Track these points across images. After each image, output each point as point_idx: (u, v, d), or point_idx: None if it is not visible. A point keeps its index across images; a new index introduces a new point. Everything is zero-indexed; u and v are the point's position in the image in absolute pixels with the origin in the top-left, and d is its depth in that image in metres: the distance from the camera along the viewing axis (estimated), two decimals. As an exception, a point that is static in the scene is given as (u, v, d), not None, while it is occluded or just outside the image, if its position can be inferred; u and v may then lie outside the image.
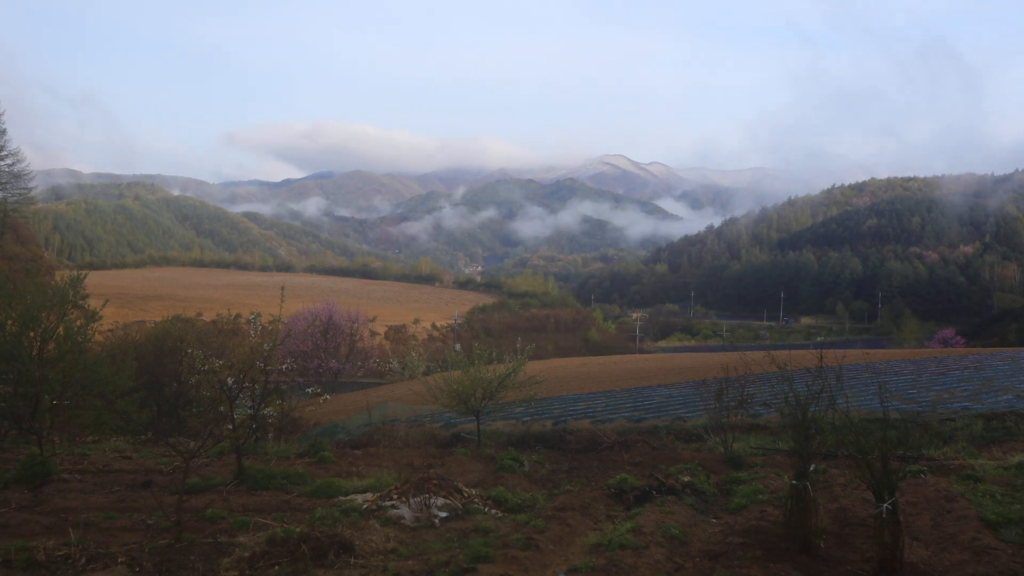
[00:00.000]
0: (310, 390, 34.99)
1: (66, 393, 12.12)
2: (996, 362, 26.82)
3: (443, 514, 7.42)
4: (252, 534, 6.63)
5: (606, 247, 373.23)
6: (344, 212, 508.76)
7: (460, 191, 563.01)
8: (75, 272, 13.60)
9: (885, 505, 5.60)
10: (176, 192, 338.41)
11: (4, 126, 55.92)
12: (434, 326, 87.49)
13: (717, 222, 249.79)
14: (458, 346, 76.25)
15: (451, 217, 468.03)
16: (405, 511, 7.41)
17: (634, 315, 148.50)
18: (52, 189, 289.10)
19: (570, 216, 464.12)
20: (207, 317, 71.55)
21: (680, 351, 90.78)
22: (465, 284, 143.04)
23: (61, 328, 11.81)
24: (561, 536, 6.56)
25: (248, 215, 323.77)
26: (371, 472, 9.88)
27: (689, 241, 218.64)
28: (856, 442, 5.99)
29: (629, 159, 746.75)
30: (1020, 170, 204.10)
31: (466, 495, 8.09)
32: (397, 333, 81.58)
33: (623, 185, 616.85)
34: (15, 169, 60.33)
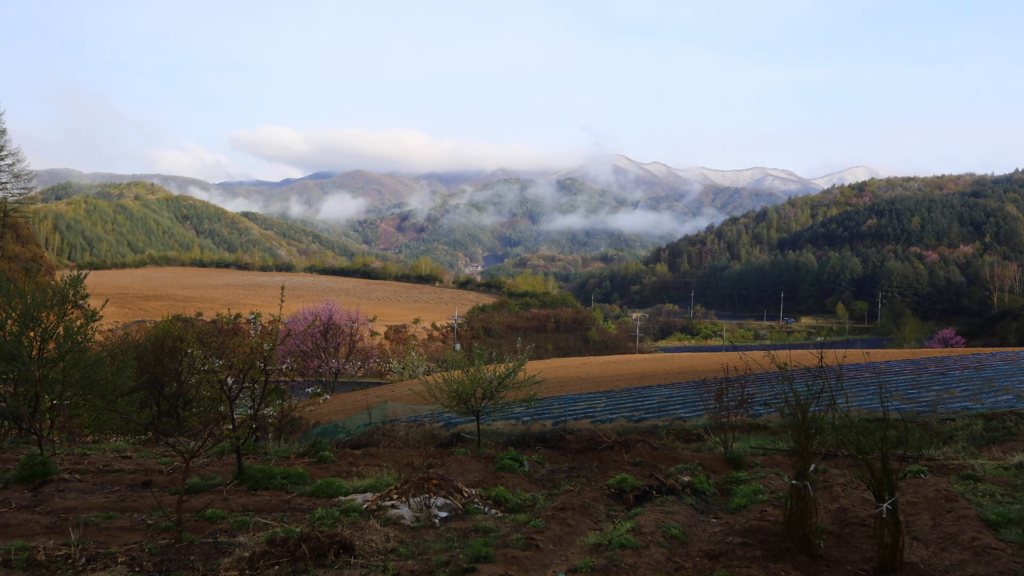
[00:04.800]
0: (310, 390, 35.07)
1: (66, 393, 12.12)
2: (996, 362, 26.81)
3: (443, 514, 7.42)
4: (252, 534, 6.64)
5: (606, 247, 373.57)
6: (344, 212, 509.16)
7: (460, 191, 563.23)
8: (75, 272, 13.60)
9: (885, 505, 5.60)
10: (176, 192, 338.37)
11: (4, 126, 56.02)
12: (434, 326, 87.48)
13: (717, 222, 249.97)
14: (458, 346, 76.31)
15: (451, 217, 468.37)
16: (405, 511, 7.41)
17: (634, 315, 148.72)
18: (52, 189, 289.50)
19: (570, 216, 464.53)
20: (207, 317, 71.56)
21: (680, 351, 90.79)
22: (465, 284, 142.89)
23: (61, 328, 11.81)
24: (561, 536, 6.56)
25: (248, 215, 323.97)
26: (371, 472, 9.88)
27: (689, 241, 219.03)
28: (856, 442, 5.99)
29: (629, 159, 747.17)
30: (1020, 170, 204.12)
31: (466, 495, 8.09)
32: (397, 333, 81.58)
33: (623, 185, 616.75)
34: (15, 169, 60.51)
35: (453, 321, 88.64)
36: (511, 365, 13.69)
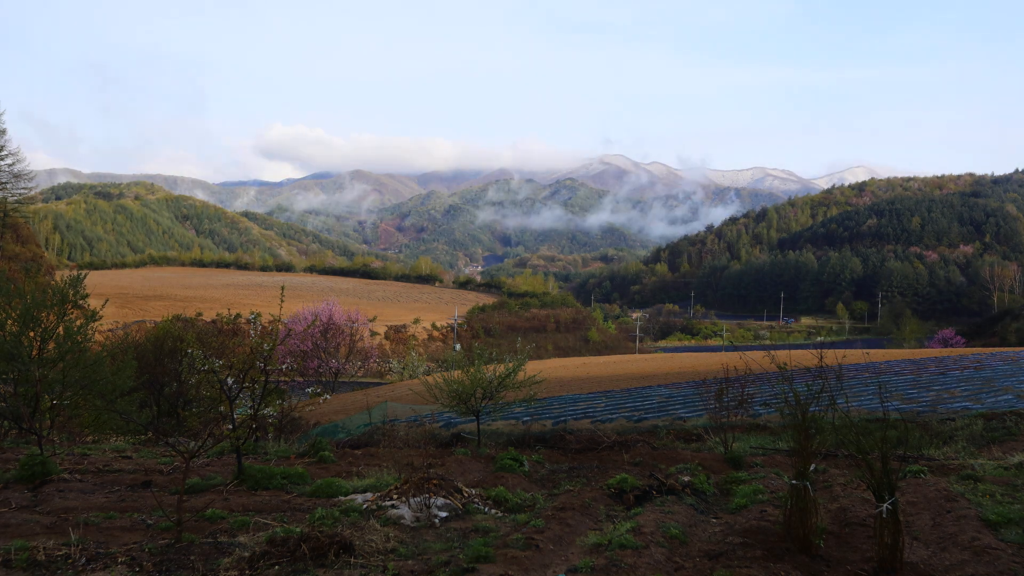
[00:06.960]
0: (310, 390, 35.05)
1: (66, 393, 12.11)
2: (996, 362, 26.81)
3: (443, 514, 7.42)
4: (252, 534, 6.64)
5: (606, 247, 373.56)
6: (344, 212, 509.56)
7: (460, 191, 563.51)
8: (75, 272, 13.59)
9: (885, 505, 5.60)
10: (176, 192, 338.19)
11: (4, 126, 56.12)
12: (434, 326, 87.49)
13: (717, 222, 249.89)
14: (458, 346, 76.29)
15: (451, 217, 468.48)
16: (405, 511, 7.41)
17: (634, 315, 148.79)
18: (52, 189, 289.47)
19: (570, 216, 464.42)
20: (207, 317, 71.56)
21: (680, 351, 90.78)
22: (465, 284, 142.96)
23: (61, 328, 11.79)
24: (561, 536, 6.56)
25: (248, 215, 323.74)
26: (371, 472, 9.88)
27: (689, 241, 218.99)
28: (856, 442, 5.99)
29: (629, 159, 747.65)
30: (1020, 170, 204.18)
31: (466, 495, 8.09)
32: (397, 333, 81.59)
33: (623, 185, 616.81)
34: (15, 169, 60.63)
35: (453, 321, 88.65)
36: (511, 365, 13.68)
